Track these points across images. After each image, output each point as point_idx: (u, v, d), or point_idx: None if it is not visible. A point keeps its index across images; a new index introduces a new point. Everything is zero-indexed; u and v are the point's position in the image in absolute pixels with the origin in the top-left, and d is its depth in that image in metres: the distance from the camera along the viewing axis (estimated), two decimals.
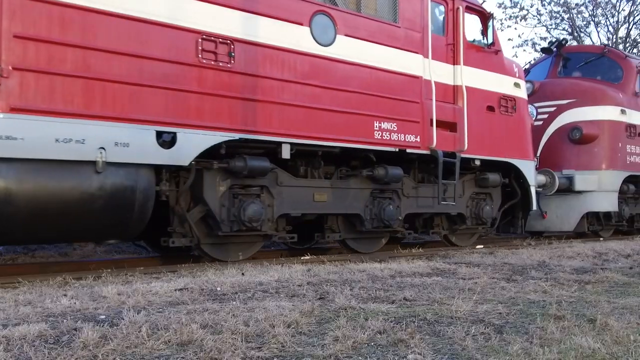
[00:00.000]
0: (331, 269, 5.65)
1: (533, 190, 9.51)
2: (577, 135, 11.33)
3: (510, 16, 25.17)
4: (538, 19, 25.61)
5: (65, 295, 4.07)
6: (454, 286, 4.56)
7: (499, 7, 27.29)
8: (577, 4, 25.37)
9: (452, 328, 3.05)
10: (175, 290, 4.25)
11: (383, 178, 7.49)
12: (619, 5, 24.95)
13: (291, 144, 6.57)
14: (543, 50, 13.46)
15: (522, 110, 9.51)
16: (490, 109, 8.88)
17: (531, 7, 26.73)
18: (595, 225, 11.65)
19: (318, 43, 6.82)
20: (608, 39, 25.07)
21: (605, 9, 24.99)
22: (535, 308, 3.68)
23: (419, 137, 7.78)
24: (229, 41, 6.09)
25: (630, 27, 25.36)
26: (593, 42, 24.71)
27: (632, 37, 25.57)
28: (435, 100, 7.89)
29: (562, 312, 3.45)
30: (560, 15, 25.35)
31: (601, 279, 5.08)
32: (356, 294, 4.11)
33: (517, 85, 9.43)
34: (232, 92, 6.10)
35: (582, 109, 11.54)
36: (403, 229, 8.10)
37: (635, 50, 25.14)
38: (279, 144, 6.48)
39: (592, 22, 25.45)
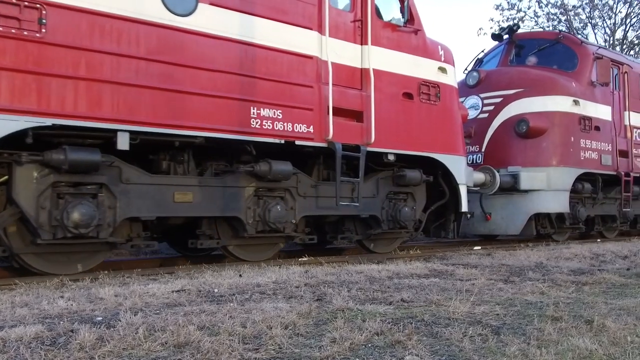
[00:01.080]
0: (329, 270, 5.65)
1: (463, 189, 8.35)
2: (523, 129, 10.22)
3: (508, 18, 25.26)
4: (535, 21, 25.71)
5: (62, 296, 4.06)
6: (452, 287, 4.57)
7: (496, 9, 27.40)
8: (574, 6, 25.52)
9: (449, 329, 3.04)
10: (173, 291, 4.24)
11: (266, 175, 6.39)
12: (616, 8, 25.06)
13: (131, 132, 5.42)
14: (493, 37, 12.22)
15: (449, 99, 8.28)
16: (408, 96, 7.66)
17: (528, 9, 26.72)
18: (548, 228, 10.56)
19: (171, 12, 5.67)
20: (605, 40, 25.16)
21: (602, 11, 25.11)
22: (532, 309, 3.68)
23: (312, 127, 6.61)
24: (38, 5, 4.94)
25: (627, 29, 25.48)
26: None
27: (629, 39, 25.66)
28: (334, 85, 6.73)
29: (559, 313, 3.46)
30: (558, 17, 25.46)
31: (598, 280, 5.09)
32: (354, 295, 4.11)
33: (442, 70, 8.18)
34: (44, 67, 4.98)
35: (529, 100, 10.46)
36: (300, 234, 7.03)
37: (632, 52, 25.21)
38: (115, 131, 5.35)
39: (589, 24, 25.56)
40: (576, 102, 10.64)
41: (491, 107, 10.65)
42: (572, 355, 2.62)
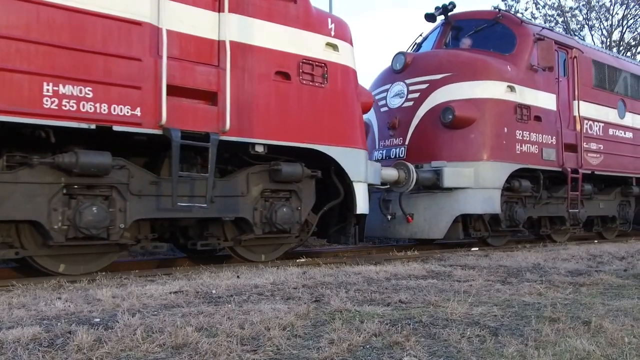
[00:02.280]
0: (327, 271, 5.65)
1: (360, 188, 7.19)
2: (448, 118, 8.94)
3: None
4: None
5: (59, 298, 4.05)
6: (450, 288, 4.57)
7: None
8: (571, 8, 25.57)
9: (447, 330, 3.05)
10: (171, 293, 4.24)
11: (72, 167, 5.19)
12: (613, 9, 25.13)
13: None
14: (426, 17, 10.66)
15: (342, 82, 7.06)
16: (284, 76, 6.48)
17: (525, 10, 26.75)
18: (482, 232, 9.35)
19: None
20: (602, 42, 25.23)
21: (599, 12, 25.18)
22: (530, 310, 3.69)
23: (139, 109, 5.39)
24: None
25: (624, 31, 25.55)
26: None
27: (626, 41, 25.74)
28: (173, 58, 5.60)
29: (557, 314, 3.46)
30: (555, 18, 25.50)
31: (596, 281, 5.10)
32: (352, 297, 4.11)
33: (332, 46, 6.95)
34: None
35: (457, 85, 9.15)
36: (131, 241, 5.80)
37: (629, 54, 25.28)
38: None
39: (586, 26, 25.63)
40: (511, 89, 9.32)
41: (416, 95, 9.39)
42: (570, 357, 2.63)
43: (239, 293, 4.30)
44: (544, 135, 9.84)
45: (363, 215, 7.39)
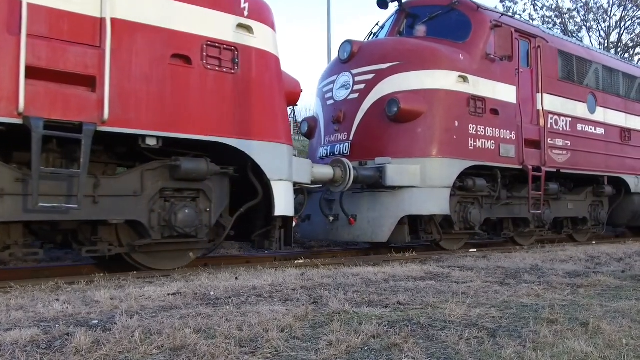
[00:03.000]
0: (325, 273, 5.65)
1: (280, 187, 6.43)
2: (393, 111, 8.13)
3: None
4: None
5: (57, 299, 4.05)
6: (448, 290, 4.57)
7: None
8: (569, 9, 25.62)
9: (445, 332, 3.05)
10: (169, 294, 4.24)
11: None
12: (611, 11, 25.19)
13: None
14: (379, 4, 9.89)
15: (258, 68, 6.33)
16: (183, 60, 5.78)
17: (524, 12, 26.80)
18: (434, 234, 8.57)
19: None
20: (600, 43, 25.28)
21: (597, 14, 25.23)
22: (528, 312, 3.69)
23: None
24: None
25: (621, 32, 25.61)
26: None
27: (624, 42, 25.79)
28: (35, 37, 4.84)
29: (555, 315, 3.47)
30: (553, 20, 25.55)
31: (594, 282, 5.11)
32: (350, 298, 4.11)
33: (245, 28, 6.25)
34: None
35: (403, 76, 8.38)
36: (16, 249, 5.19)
37: (627, 55, 25.34)
38: None
39: (584, 27, 25.68)
40: (464, 79, 8.55)
41: (362, 86, 8.62)
42: (568, 358, 2.63)
43: (237, 295, 4.29)
44: (502, 130, 9.04)
45: (290, 218, 6.74)
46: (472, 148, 8.56)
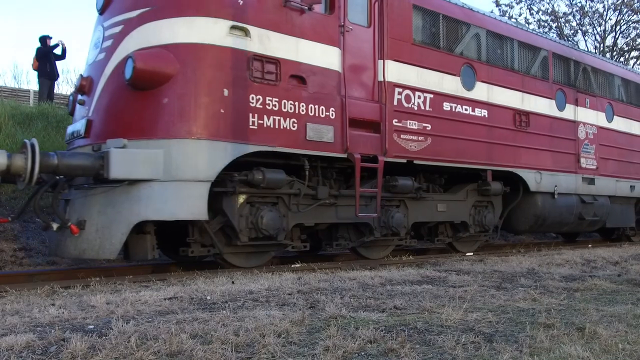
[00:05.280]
0: (322, 277, 5.64)
1: None
2: (128, 73, 5.91)
3: None
4: (527, 29, 25.83)
5: (53, 304, 4.04)
6: (444, 294, 4.57)
7: None
8: (564, 13, 25.72)
9: (442, 337, 3.05)
10: (165, 299, 4.22)
11: None
12: (606, 15, 25.29)
13: None
14: None
15: None
16: None
17: (519, 15, 26.88)
18: (216, 247, 6.40)
19: None
20: (595, 47, 25.38)
21: (593, 18, 25.32)
22: (524, 316, 3.70)
23: None
24: None
25: (617, 36, 25.70)
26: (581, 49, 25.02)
27: (619, 46, 25.90)
28: None
29: (551, 320, 3.47)
30: (549, 24, 25.64)
31: (590, 286, 5.12)
32: (347, 303, 4.11)
33: None
34: None
35: (152, 25, 6.19)
36: None
37: (622, 59, 25.45)
38: None
39: (579, 31, 25.76)
40: (243, 31, 6.26)
41: (109, 42, 6.47)
42: None
43: (233, 299, 4.29)
44: (312, 106, 6.70)
45: None
46: (254, 127, 6.21)
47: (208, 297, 4.34)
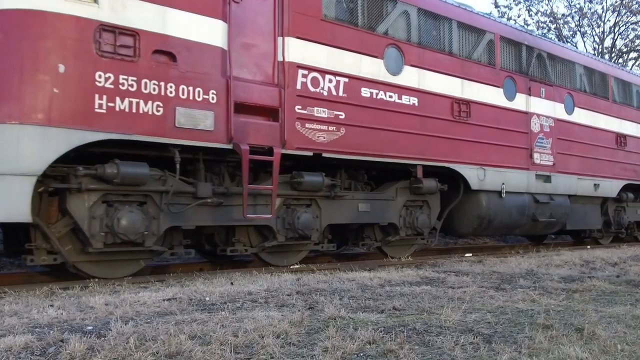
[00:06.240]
0: (321, 278, 5.64)
1: None
2: None
3: None
4: (525, 30, 25.86)
5: (51, 305, 4.03)
6: (443, 295, 4.57)
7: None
8: (563, 15, 25.75)
9: (441, 338, 3.05)
10: (164, 300, 4.22)
11: None
12: (605, 16, 25.33)
13: None
14: None
15: None
16: None
17: (518, 17, 26.91)
18: (63, 254, 5.43)
19: None
20: (594, 49, 25.42)
21: (591, 19, 25.35)
22: (523, 317, 3.70)
23: None
24: None
25: (615, 38, 25.72)
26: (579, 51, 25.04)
27: (618, 47, 25.94)
28: None
29: (550, 321, 3.47)
30: (547, 25, 25.67)
31: (588, 287, 5.12)
32: (345, 304, 4.11)
33: None
34: None
35: None
36: None
37: (620, 60, 25.49)
38: None
39: (578, 33, 25.80)
40: None
41: None
42: None
43: (232, 300, 4.28)
44: (185, 87, 5.81)
45: None
46: (102, 111, 5.28)
47: (207, 298, 4.34)
